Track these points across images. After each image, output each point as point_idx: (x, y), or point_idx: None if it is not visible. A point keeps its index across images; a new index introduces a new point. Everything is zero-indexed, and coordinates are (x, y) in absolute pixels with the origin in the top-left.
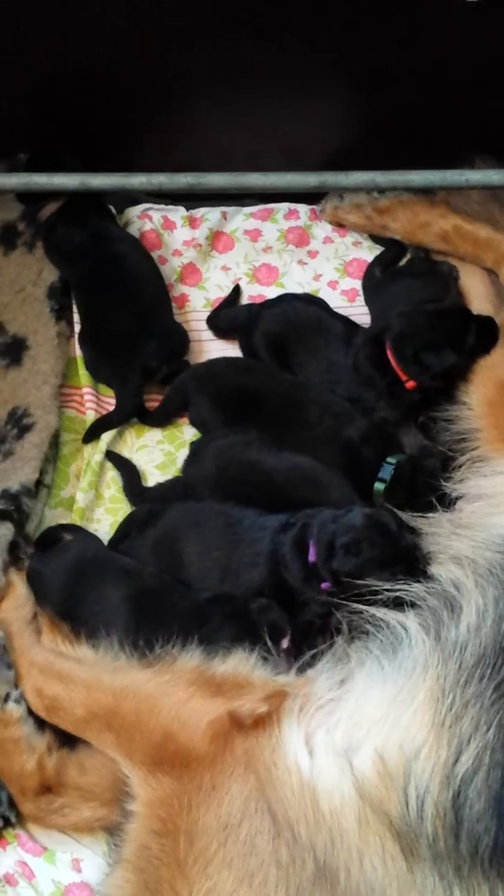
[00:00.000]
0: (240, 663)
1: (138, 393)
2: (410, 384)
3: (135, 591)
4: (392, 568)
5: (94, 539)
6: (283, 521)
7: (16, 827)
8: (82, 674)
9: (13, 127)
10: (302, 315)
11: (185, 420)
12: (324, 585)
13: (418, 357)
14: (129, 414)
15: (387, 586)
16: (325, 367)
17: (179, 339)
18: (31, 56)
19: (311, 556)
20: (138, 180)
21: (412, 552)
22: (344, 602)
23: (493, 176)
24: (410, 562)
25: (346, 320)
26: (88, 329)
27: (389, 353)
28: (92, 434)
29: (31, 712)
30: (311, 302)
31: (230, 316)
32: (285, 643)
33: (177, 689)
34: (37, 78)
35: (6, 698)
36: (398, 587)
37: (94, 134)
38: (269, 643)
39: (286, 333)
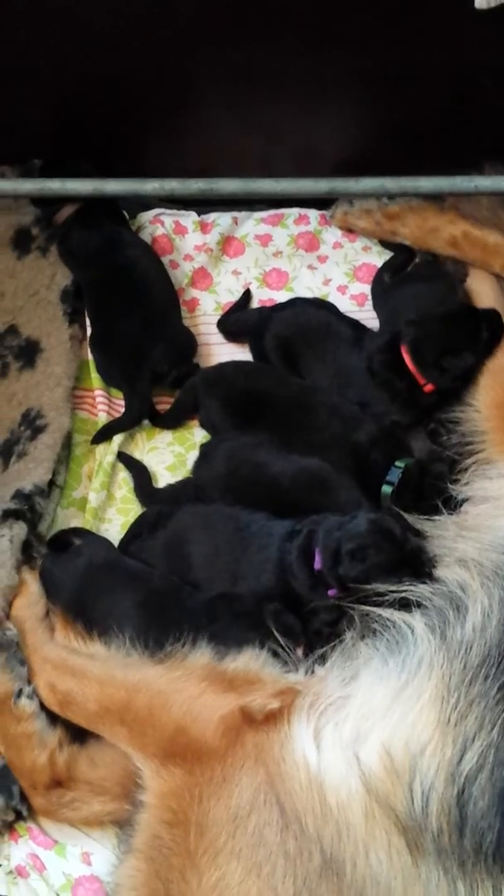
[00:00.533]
0: (251, 660)
1: (147, 397)
2: (428, 387)
3: (144, 595)
4: (398, 572)
5: (104, 543)
6: (290, 529)
7: (27, 820)
8: (95, 669)
9: (27, 132)
10: (312, 319)
11: (196, 422)
12: (331, 592)
13: (439, 362)
14: (137, 418)
15: (393, 588)
16: (335, 370)
17: (187, 342)
18: (45, 62)
19: (318, 564)
20: (151, 186)
21: (417, 556)
22: (351, 606)
23: (502, 182)
24: (416, 565)
25: (355, 324)
26: (98, 332)
27: (407, 359)
28: (102, 436)
29: (43, 708)
30: (322, 306)
31: (241, 319)
32: (300, 651)
33: (189, 684)
34: (49, 84)
35: (19, 694)
36: (404, 588)
37: (106, 140)
38: (285, 648)
39: (296, 337)
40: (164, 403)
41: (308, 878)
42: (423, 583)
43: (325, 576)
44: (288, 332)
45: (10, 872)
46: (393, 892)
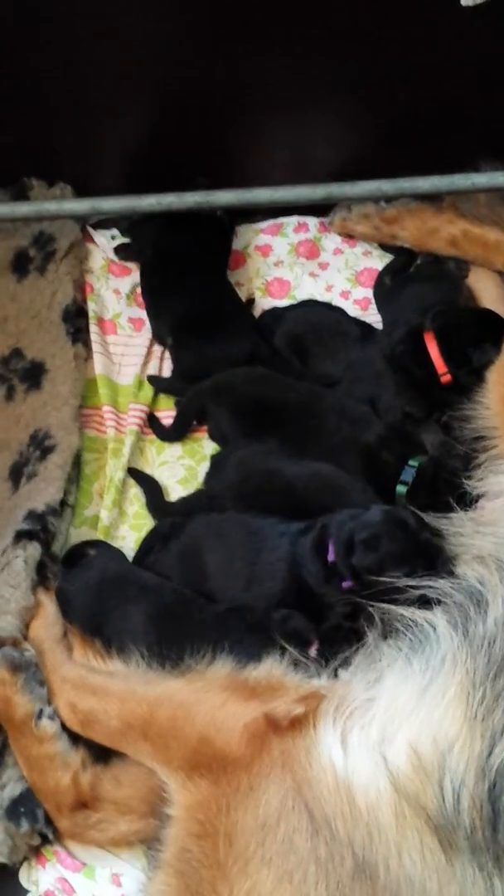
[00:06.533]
0: (272, 668)
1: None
2: (446, 378)
3: (155, 608)
4: (412, 562)
5: (116, 554)
6: (302, 527)
7: (54, 844)
8: (115, 686)
9: (11, 152)
10: (323, 317)
11: (204, 434)
12: (345, 584)
13: (463, 350)
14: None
15: (412, 582)
16: (345, 367)
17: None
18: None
19: (331, 556)
20: (147, 202)
21: (431, 546)
22: (370, 603)
23: (499, 178)
24: (430, 556)
25: (363, 324)
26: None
27: (431, 347)
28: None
29: (64, 728)
30: (332, 309)
31: None
32: (313, 651)
33: (211, 694)
34: (37, 101)
35: (40, 715)
36: (423, 584)
37: (105, 154)
38: (295, 652)
39: (307, 335)
40: (169, 418)
41: (341, 882)
42: (442, 577)
43: (338, 566)
44: (299, 330)
45: None
46: (428, 892)
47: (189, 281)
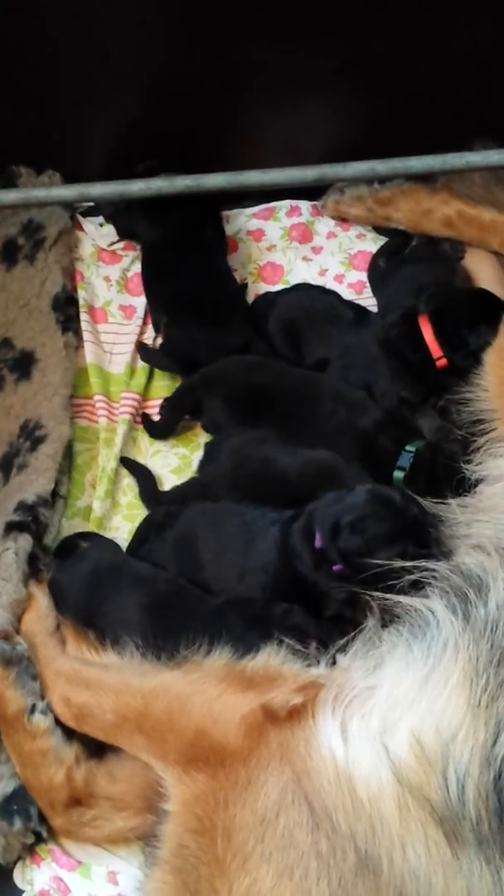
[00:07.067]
0: (270, 657)
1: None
2: (441, 362)
3: (150, 598)
4: (401, 541)
5: (110, 545)
6: (293, 514)
7: (48, 842)
8: (110, 679)
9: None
10: (316, 302)
11: (198, 422)
12: (335, 568)
13: (460, 333)
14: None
15: (407, 566)
16: (339, 352)
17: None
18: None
19: (318, 541)
20: (137, 187)
21: (420, 523)
22: (366, 592)
23: (493, 156)
24: (420, 534)
25: (357, 307)
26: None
27: (426, 330)
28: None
29: (58, 723)
30: (326, 292)
31: None
32: (313, 648)
33: (207, 686)
34: (24, 88)
35: (32, 710)
36: (420, 567)
37: (94, 141)
38: (297, 648)
39: (300, 319)
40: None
41: (343, 877)
42: (438, 559)
43: (326, 551)
44: (292, 315)
45: None
46: (434, 886)
47: (189, 264)
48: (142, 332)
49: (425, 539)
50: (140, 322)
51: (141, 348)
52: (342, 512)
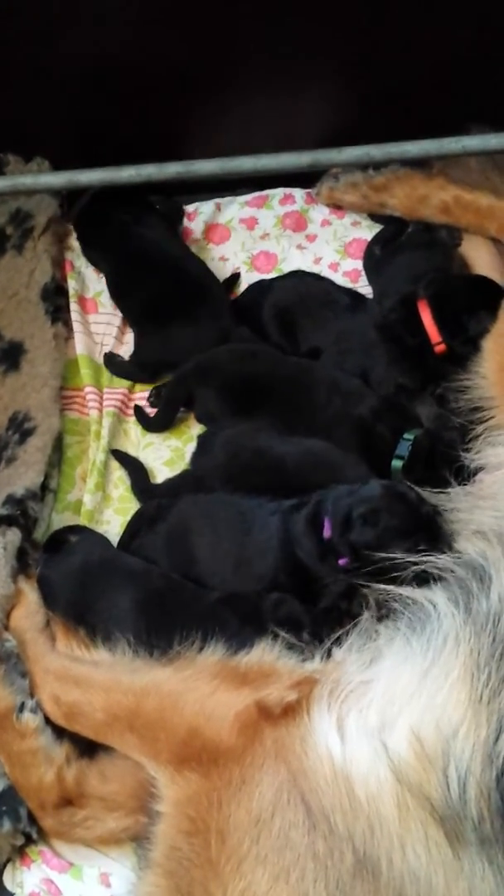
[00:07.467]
0: (264, 653)
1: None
2: (440, 348)
3: (143, 594)
4: (413, 537)
5: (100, 539)
6: (295, 503)
7: (39, 843)
8: (100, 677)
9: None
10: (312, 287)
11: (191, 414)
12: (342, 561)
13: (459, 319)
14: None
15: (410, 558)
16: (335, 338)
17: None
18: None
19: (327, 532)
20: (127, 173)
21: (433, 520)
22: (366, 584)
23: (490, 140)
24: (432, 530)
25: (352, 293)
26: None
27: (425, 315)
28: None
29: (47, 722)
30: (320, 279)
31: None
32: (306, 636)
33: (200, 683)
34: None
35: (21, 708)
36: (422, 559)
37: (82, 127)
38: (289, 637)
39: (296, 306)
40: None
41: (341, 880)
42: (442, 552)
43: (335, 544)
44: (288, 301)
45: None
46: (434, 888)
47: (145, 270)
48: None
49: (437, 536)
50: None
51: (108, 360)
52: (355, 504)
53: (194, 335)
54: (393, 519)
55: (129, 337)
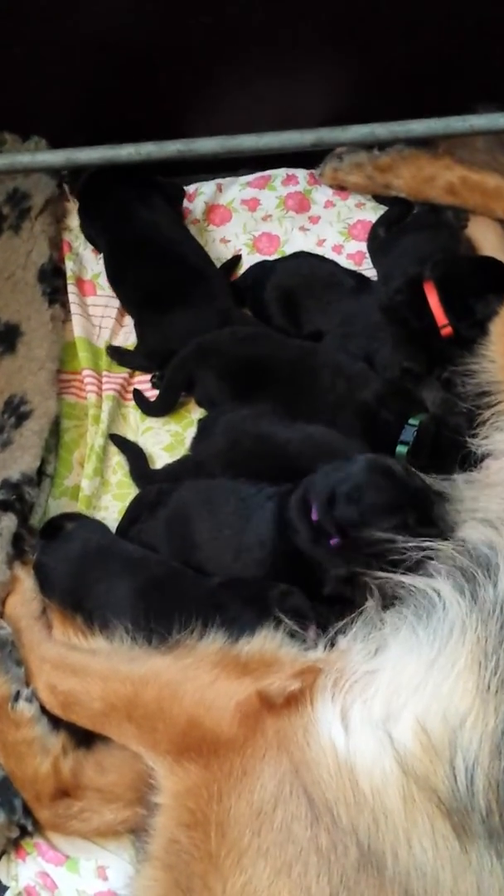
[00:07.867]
0: (266, 641)
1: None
2: (446, 330)
3: (142, 581)
4: (399, 512)
5: (98, 526)
6: (289, 487)
7: (34, 836)
8: (98, 665)
9: None
10: (316, 268)
11: (192, 398)
12: (332, 542)
13: (465, 301)
14: None
15: (412, 543)
16: (340, 320)
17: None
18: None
19: (314, 513)
20: (126, 151)
21: (423, 495)
22: (366, 572)
23: (499, 119)
24: (422, 506)
25: (357, 275)
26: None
27: (431, 297)
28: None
29: (44, 711)
30: (325, 260)
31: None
32: (312, 633)
33: (200, 672)
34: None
35: (16, 697)
36: (425, 546)
37: (81, 105)
38: (296, 630)
39: (299, 287)
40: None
41: (345, 874)
42: (445, 538)
43: (321, 522)
44: (291, 282)
45: (20, 894)
46: (441, 883)
47: (143, 255)
48: None
49: (427, 511)
50: None
51: (114, 353)
52: (339, 481)
53: (195, 319)
54: (377, 494)
55: (128, 320)
